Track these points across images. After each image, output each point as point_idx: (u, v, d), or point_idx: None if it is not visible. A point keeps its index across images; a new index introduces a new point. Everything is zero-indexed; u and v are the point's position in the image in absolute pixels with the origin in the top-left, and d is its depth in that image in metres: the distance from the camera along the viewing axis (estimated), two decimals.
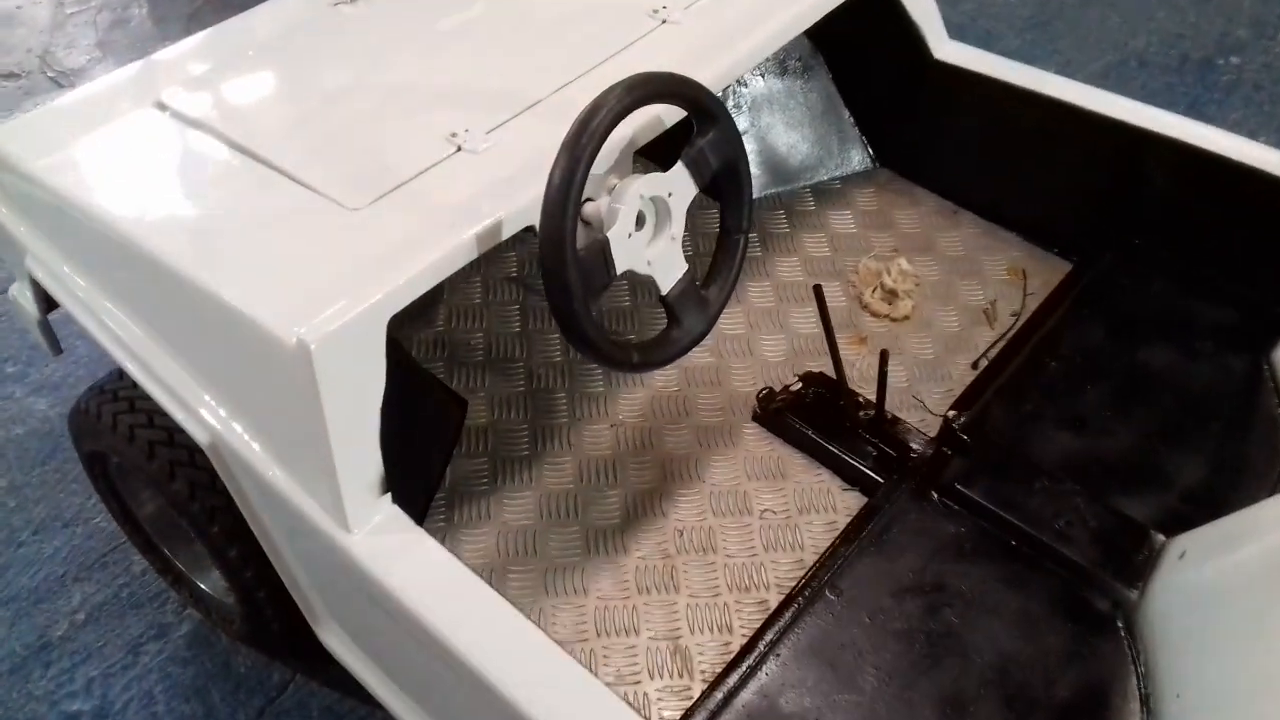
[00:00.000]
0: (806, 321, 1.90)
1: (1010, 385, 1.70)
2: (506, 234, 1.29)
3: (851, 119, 2.20)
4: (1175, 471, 1.57)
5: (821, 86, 2.19)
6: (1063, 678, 1.34)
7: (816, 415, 1.70)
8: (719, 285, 1.43)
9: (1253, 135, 2.03)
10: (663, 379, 1.80)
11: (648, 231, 1.33)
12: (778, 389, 1.75)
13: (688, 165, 1.33)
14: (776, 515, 1.60)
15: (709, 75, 1.50)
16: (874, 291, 1.94)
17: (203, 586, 1.86)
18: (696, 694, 1.39)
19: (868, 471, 1.61)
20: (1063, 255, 2.00)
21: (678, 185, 1.33)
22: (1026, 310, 1.92)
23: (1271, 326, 1.72)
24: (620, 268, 1.28)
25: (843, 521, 1.58)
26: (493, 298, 1.97)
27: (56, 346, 1.81)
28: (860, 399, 1.68)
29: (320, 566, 1.38)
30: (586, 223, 1.28)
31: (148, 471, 1.56)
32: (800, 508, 1.61)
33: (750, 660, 1.32)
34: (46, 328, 1.76)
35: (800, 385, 1.74)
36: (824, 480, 1.65)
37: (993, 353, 1.84)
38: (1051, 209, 1.99)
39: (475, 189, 1.32)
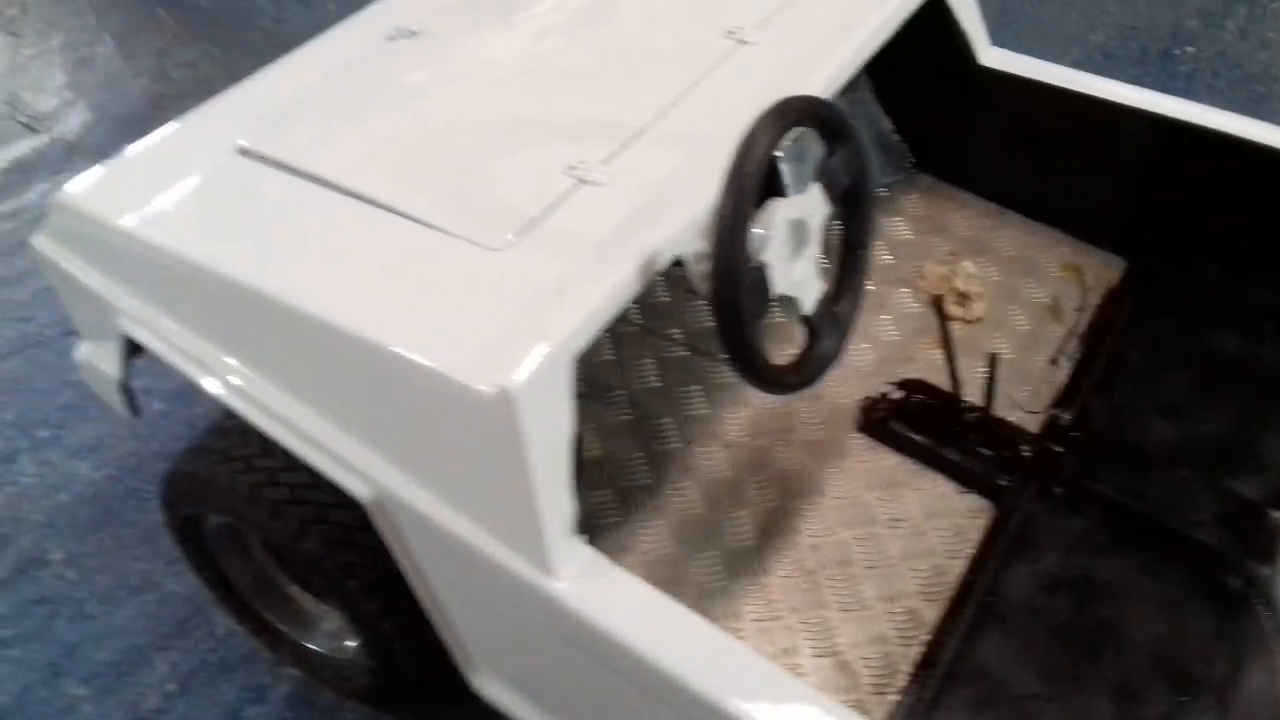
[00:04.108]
0: (888, 329, 1.95)
1: (1102, 379, 1.76)
2: (660, 266, 1.29)
3: (892, 125, 2.25)
4: (1268, 450, 1.65)
5: (861, 95, 2.24)
6: (1218, 655, 1.40)
7: (923, 422, 1.74)
8: (849, 300, 1.46)
9: None
10: (762, 396, 1.81)
11: (789, 253, 1.35)
12: (876, 398, 1.79)
13: (823, 184, 1.35)
14: (904, 523, 1.64)
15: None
16: (933, 299, 1.99)
17: (310, 645, 1.81)
18: (871, 707, 1.42)
19: (986, 474, 1.66)
20: (1113, 250, 2.08)
21: (814, 206, 1.35)
22: (1088, 305, 2.00)
23: None
24: (774, 291, 1.30)
25: (967, 524, 1.63)
26: None
27: (135, 408, 1.74)
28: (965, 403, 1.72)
29: (504, 613, 1.36)
30: None
31: (273, 531, 1.52)
32: (924, 514, 1.65)
33: (938, 670, 1.35)
34: (126, 390, 1.69)
35: (902, 393, 1.78)
36: (939, 485, 1.69)
37: (1068, 348, 1.91)
38: (1101, 206, 2.07)
39: (613, 222, 1.32)
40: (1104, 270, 2.06)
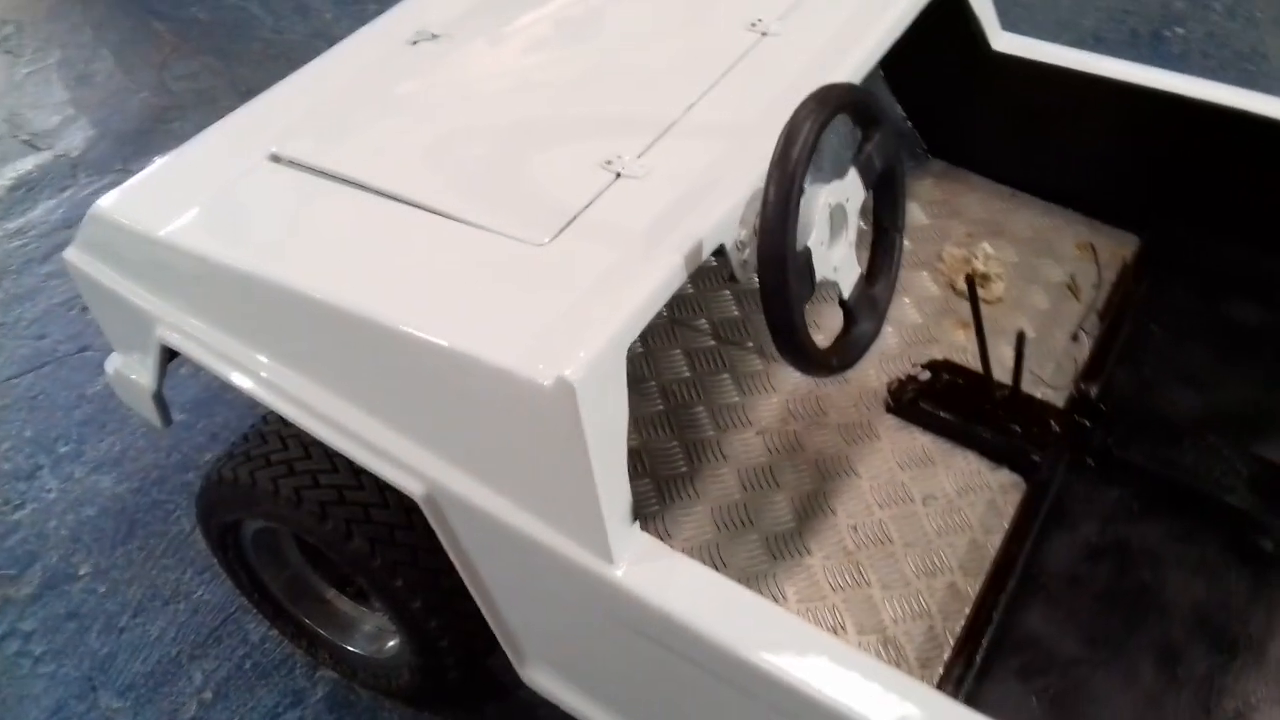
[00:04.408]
0: (910, 312, 1.96)
1: (1124, 353, 1.79)
2: (705, 255, 1.31)
3: (903, 113, 2.27)
4: None
5: (872, 82, 2.26)
6: (1254, 616, 1.43)
7: (951, 401, 1.76)
8: (885, 283, 1.48)
9: None
10: (791, 382, 1.83)
11: (828, 238, 1.37)
12: (904, 379, 1.80)
13: (859, 170, 1.37)
14: (938, 500, 1.65)
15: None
16: (966, 277, 2.01)
17: (349, 648, 1.81)
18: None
19: (1018, 449, 1.67)
20: (1126, 228, 2.11)
21: (851, 190, 1.37)
22: (1104, 282, 2.02)
23: None
24: (817, 276, 1.31)
25: (1000, 499, 1.65)
26: None
27: (168, 418, 1.73)
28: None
29: (561, 603, 1.36)
30: None
31: (319, 534, 1.52)
32: (958, 490, 1.67)
33: (984, 642, 1.37)
34: (160, 400, 1.69)
35: (929, 374, 1.80)
36: (971, 462, 1.71)
37: (1088, 324, 1.93)
38: (1113, 184, 2.10)
39: (653, 214, 1.33)
40: (1118, 247, 2.08)
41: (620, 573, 1.21)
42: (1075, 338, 1.93)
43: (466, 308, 1.23)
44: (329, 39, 3.42)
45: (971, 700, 1.30)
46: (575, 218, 1.33)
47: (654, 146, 1.45)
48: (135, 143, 3.14)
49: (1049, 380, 1.84)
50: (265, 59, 3.44)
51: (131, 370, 1.68)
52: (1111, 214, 2.14)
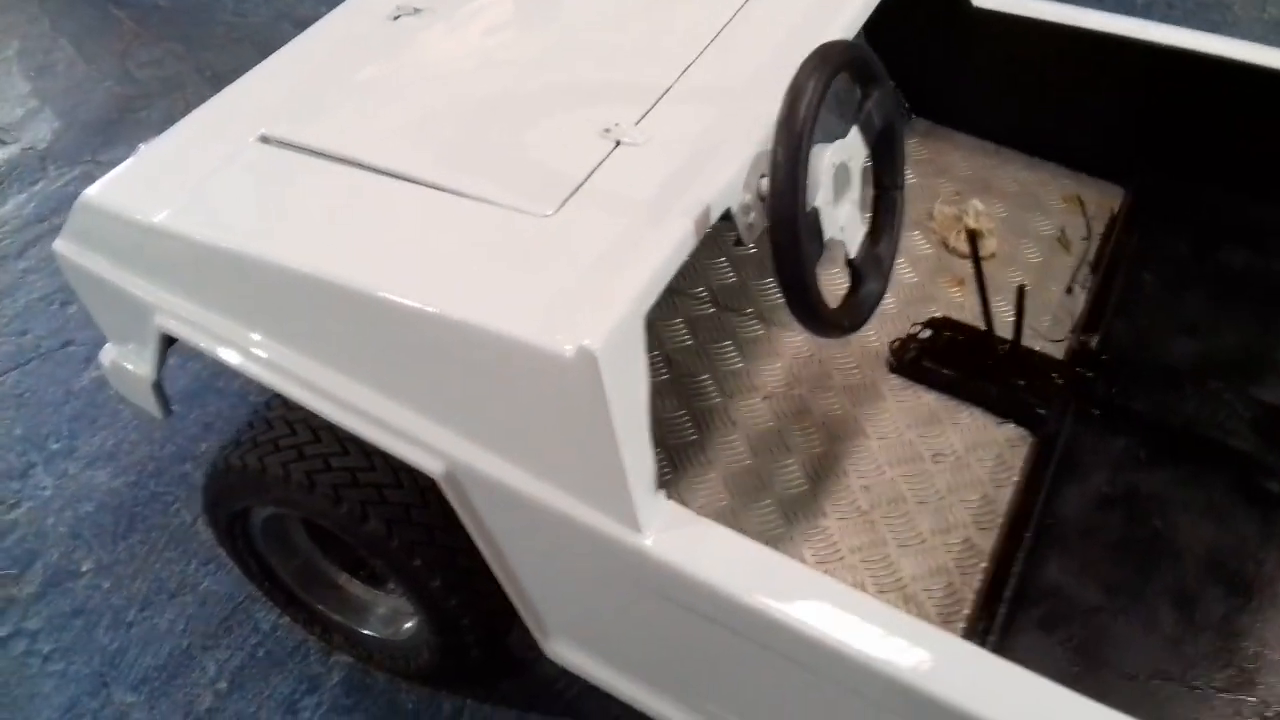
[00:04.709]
0: (905, 271, 1.97)
1: (1120, 303, 1.81)
2: (713, 220, 1.31)
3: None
4: None
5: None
6: (1266, 558, 1.46)
7: (954, 358, 1.77)
8: (888, 241, 1.48)
9: None
10: (794, 346, 1.84)
11: (833, 197, 1.37)
12: (905, 338, 1.82)
13: (860, 128, 1.37)
14: (948, 457, 1.67)
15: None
16: (958, 235, 2.02)
17: (364, 631, 1.81)
18: None
19: (1023, 403, 1.69)
20: (1111, 179, 2.13)
21: (854, 149, 1.37)
22: (1093, 234, 2.04)
23: None
24: (825, 236, 1.32)
25: (1008, 453, 1.67)
26: None
27: (168, 408, 1.71)
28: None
29: (587, 575, 1.37)
30: None
31: (334, 518, 1.51)
32: (966, 447, 1.68)
33: (1006, 594, 1.39)
34: (160, 390, 1.67)
35: (929, 332, 1.81)
36: (976, 418, 1.73)
37: (1081, 277, 1.95)
38: (1097, 137, 2.11)
39: (657, 181, 1.33)
40: (1104, 199, 2.10)
41: (649, 541, 1.21)
42: (1069, 290, 1.95)
43: (479, 281, 1.22)
44: (294, 20, 3.38)
45: (1000, 654, 1.32)
46: (579, 187, 1.32)
47: (651, 113, 1.44)
48: (103, 133, 3.07)
49: (1046, 334, 1.86)
50: (229, 42, 3.37)
51: (128, 360, 1.66)
52: (1096, 166, 2.15)
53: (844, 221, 1.37)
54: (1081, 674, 1.35)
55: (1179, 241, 1.93)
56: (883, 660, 1.10)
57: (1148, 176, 2.03)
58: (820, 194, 1.29)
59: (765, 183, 1.34)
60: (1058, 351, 1.80)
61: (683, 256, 1.25)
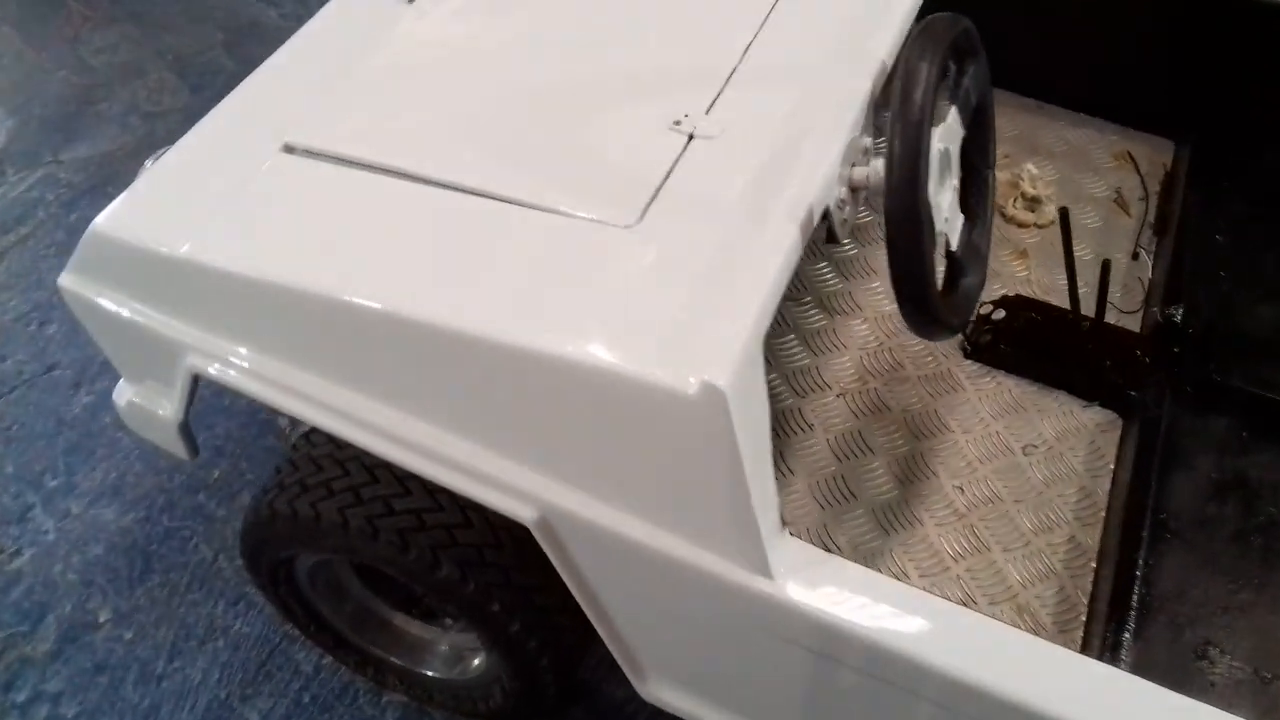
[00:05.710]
0: None
1: (1196, 268, 1.72)
2: (815, 220, 1.18)
3: None
4: None
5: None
6: None
7: (1031, 339, 1.68)
8: (981, 228, 1.37)
9: None
10: (860, 336, 1.73)
11: (937, 186, 1.25)
12: (975, 320, 1.71)
13: (959, 108, 1.25)
14: (1039, 449, 1.58)
15: (902, 12, 1.42)
16: (1015, 202, 1.92)
17: (424, 672, 1.69)
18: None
19: (1109, 384, 1.60)
20: (1161, 133, 2.03)
21: (953, 132, 1.26)
22: (1150, 193, 1.95)
23: None
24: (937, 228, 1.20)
25: (1100, 440, 1.58)
26: None
27: (195, 449, 1.56)
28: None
29: (699, 619, 1.25)
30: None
31: (399, 565, 1.38)
32: (1055, 435, 1.59)
33: (1131, 601, 1.31)
34: (187, 431, 1.51)
35: (1003, 312, 1.71)
36: (1061, 402, 1.64)
37: (1143, 240, 1.86)
38: (1144, 89, 2.01)
39: (745, 179, 1.20)
40: (1155, 155, 2.01)
41: (780, 587, 1.10)
42: (1135, 256, 1.86)
43: (570, 308, 1.08)
44: None
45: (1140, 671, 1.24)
46: (658, 190, 1.18)
47: (720, 99, 1.30)
48: (63, 129, 2.83)
49: (1119, 305, 1.77)
50: (189, 22, 3.12)
51: (148, 401, 1.50)
52: (1144, 121, 2.06)
53: (947, 211, 1.26)
54: (1222, 684, 1.28)
55: (1242, 198, 1.85)
56: (1045, 703, 1.01)
57: (1205, 130, 1.94)
58: (931, 185, 1.18)
59: (859, 172, 1.23)
60: (1133, 324, 1.72)
61: (792, 267, 1.12)
